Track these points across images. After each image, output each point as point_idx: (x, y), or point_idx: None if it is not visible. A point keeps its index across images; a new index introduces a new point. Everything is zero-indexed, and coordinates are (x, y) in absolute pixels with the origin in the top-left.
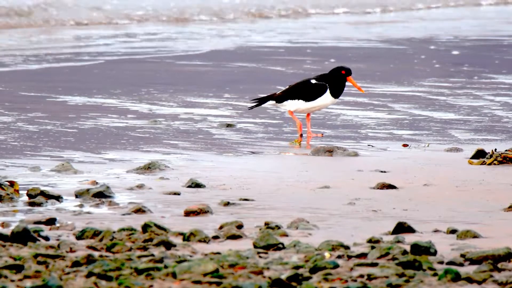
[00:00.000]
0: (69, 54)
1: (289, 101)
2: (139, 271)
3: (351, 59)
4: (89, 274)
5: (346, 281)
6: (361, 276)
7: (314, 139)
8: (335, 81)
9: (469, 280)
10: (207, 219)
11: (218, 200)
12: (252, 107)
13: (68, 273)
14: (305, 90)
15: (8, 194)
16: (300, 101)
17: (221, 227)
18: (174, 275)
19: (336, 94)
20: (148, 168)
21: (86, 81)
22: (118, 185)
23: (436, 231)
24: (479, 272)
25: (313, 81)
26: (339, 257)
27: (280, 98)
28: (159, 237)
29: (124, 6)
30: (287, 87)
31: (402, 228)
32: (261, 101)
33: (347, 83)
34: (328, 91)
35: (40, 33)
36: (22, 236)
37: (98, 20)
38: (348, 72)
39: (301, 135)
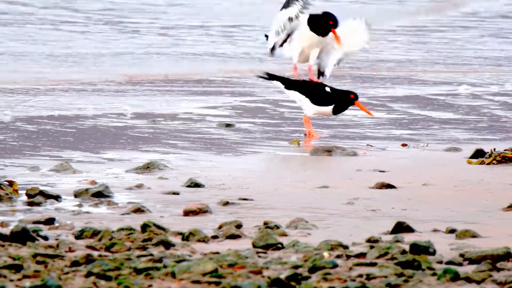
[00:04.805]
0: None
1: (297, 93)
2: (138, 271)
3: None
4: (88, 274)
5: (345, 280)
6: (360, 275)
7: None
8: (341, 101)
9: (468, 279)
10: (206, 219)
11: (217, 200)
12: (260, 77)
13: (67, 273)
14: (315, 93)
15: (7, 194)
16: (306, 99)
17: (220, 227)
18: (173, 274)
19: (336, 112)
20: (147, 167)
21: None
22: (117, 185)
23: (435, 230)
24: (478, 272)
25: (327, 89)
26: (338, 256)
27: (289, 84)
28: (158, 236)
29: None
30: (302, 79)
31: (401, 227)
32: (270, 77)
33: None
34: (331, 106)
35: None
36: (21, 236)
37: None
38: (356, 97)
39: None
